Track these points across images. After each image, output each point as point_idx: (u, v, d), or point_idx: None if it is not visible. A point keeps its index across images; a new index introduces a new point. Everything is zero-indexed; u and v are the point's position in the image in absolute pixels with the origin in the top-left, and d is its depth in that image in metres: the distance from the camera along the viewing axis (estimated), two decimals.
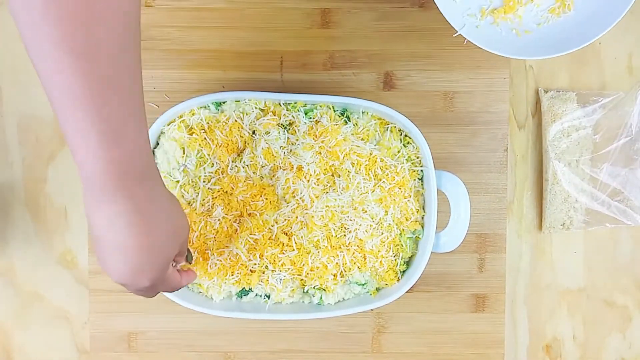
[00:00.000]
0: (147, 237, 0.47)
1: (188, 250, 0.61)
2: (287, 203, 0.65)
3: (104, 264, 0.48)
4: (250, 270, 0.66)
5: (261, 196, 0.65)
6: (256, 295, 0.68)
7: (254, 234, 0.65)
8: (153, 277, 0.50)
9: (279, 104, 0.65)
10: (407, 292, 0.65)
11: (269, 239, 0.65)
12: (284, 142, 0.65)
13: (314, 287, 0.67)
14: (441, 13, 0.63)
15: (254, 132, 0.65)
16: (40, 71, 0.41)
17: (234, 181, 0.65)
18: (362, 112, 0.66)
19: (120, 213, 0.45)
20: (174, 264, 0.57)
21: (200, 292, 0.67)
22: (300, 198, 0.65)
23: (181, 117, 0.66)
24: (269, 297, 0.67)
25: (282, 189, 0.65)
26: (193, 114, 0.65)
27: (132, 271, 0.48)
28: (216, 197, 0.65)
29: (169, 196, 0.51)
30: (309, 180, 0.65)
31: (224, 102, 0.66)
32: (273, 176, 0.65)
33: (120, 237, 0.46)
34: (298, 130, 0.65)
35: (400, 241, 0.66)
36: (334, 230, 0.65)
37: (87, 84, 0.40)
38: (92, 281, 0.73)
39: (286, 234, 0.65)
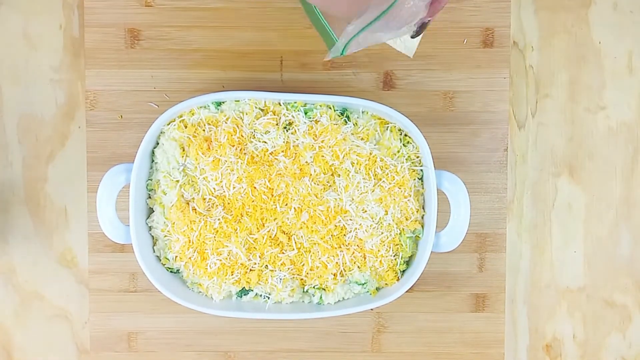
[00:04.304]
0: None
1: None
2: (287, 202, 0.65)
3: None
4: (250, 270, 0.66)
5: (261, 196, 0.65)
6: (256, 294, 0.68)
7: (254, 234, 0.65)
8: None
9: (279, 103, 0.65)
10: (407, 291, 0.65)
11: (269, 238, 0.65)
12: (283, 142, 0.65)
13: (313, 287, 0.67)
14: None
15: (253, 132, 0.65)
16: None
17: (234, 180, 0.65)
18: (362, 112, 0.66)
19: None
20: None
21: (200, 291, 0.67)
22: (300, 197, 0.65)
23: (181, 116, 0.66)
24: (268, 296, 0.67)
25: (282, 188, 0.65)
26: (193, 114, 0.65)
27: None
28: (216, 197, 0.65)
29: None
30: (308, 180, 0.65)
31: (223, 102, 0.66)
32: (272, 176, 0.65)
33: None
34: (298, 129, 0.65)
35: (400, 241, 0.66)
36: (334, 229, 0.65)
37: None
38: (92, 281, 0.73)
39: (286, 234, 0.65)
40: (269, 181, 0.65)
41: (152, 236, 0.67)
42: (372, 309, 0.73)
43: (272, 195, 0.65)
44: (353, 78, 0.72)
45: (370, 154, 0.65)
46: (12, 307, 0.74)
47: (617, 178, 0.75)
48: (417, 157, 0.66)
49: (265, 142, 0.65)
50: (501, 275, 0.73)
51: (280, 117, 0.65)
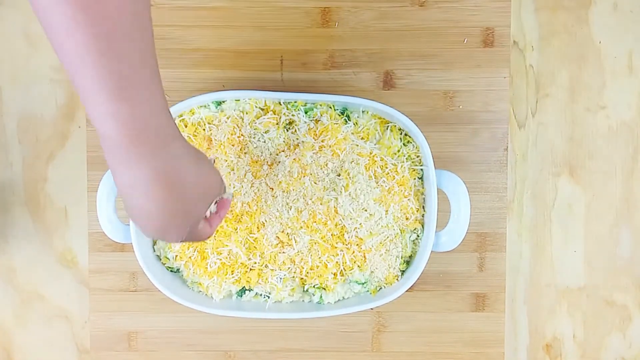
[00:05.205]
0: (170, 203, 0.45)
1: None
2: (287, 202, 0.65)
3: (132, 220, 0.48)
4: (250, 269, 0.66)
5: (261, 195, 0.65)
6: (256, 294, 0.68)
7: (254, 233, 0.65)
8: (180, 237, 0.49)
9: (279, 103, 0.65)
10: (407, 291, 0.65)
11: (269, 237, 0.65)
12: (283, 141, 0.65)
13: (314, 286, 0.67)
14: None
15: (254, 131, 0.65)
16: (51, 38, 0.39)
17: (235, 180, 0.65)
18: (362, 111, 0.66)
19: (139, 178, 0.44)
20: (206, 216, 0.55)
21: (200, 291, 0.67)
22: (301, 197, 0.65)
23: (181, 116, 0.66)
24: (269, 296, 0.67)
25: (282, 188, 0.65)
26: (193, 113, 0.65)
27: (158, 232, 0.48)
28: None
29: (194, 156, 0.48)
30: (308, 180, 0.64)
31: (223, 101, 0.66)
32: (272, 175, 0.65)
33: (142, 202, 0.45)
34: (298, 129, 0.65)
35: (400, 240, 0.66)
36: (334, 229, 0.65)
37: (91, 37, 0.38)
38: (92, 281, 0.73)
39: (286, 233, 0.65)
40: (269, 180, 0.65)
41: None
42: (372, 309, 0.73)
43: (273, 195, 0.65)
44: (353, 77, 0.72)
45: (371, 153, 0.65)
46: (12, 307, 0.74)
47: (617, 178, 0.75)
48: (417, 156, 0.66)
49: (265, 142, 0.65)
50: (501, 275, 0.73)
51: (280, 117, 0.65)
